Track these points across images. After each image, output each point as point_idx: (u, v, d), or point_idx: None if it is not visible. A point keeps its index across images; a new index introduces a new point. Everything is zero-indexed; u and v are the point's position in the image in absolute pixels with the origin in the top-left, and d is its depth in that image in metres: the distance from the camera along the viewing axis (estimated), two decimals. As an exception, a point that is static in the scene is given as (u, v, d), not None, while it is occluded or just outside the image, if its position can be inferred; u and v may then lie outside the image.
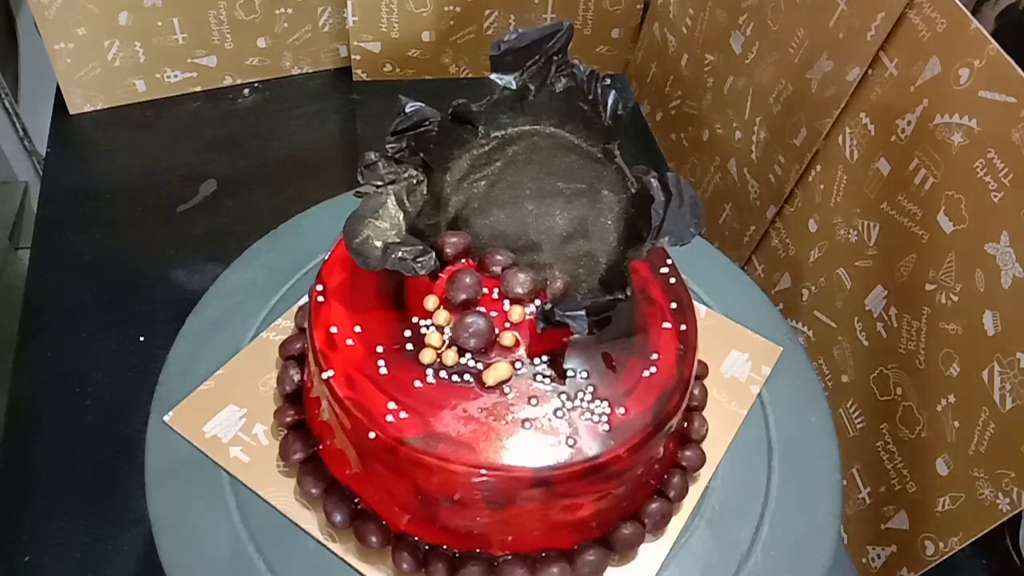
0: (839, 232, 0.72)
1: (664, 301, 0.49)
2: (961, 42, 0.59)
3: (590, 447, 0.41)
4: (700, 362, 0.51)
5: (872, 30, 0.66)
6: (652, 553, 0.47)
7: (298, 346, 0.51)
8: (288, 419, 0.48)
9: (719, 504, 0.49)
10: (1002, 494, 0.54)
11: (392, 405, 0.42)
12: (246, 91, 1.01)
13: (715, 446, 0.51)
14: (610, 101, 0.47)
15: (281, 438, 0.48)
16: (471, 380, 0.43)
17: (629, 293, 0.42)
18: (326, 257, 0.49)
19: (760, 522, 0.48)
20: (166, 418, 0.50)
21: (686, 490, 0.48)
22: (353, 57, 1.01)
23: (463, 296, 0.44)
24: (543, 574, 0.44)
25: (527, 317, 0.44)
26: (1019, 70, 0.55)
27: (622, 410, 0.43)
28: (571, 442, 0.41)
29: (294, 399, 0.50)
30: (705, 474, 0.50)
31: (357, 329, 0.45)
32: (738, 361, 0.56)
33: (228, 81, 1.01)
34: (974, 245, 0.58)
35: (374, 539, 0.44)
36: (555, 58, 0.47)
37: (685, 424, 0.49)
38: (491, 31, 1.01)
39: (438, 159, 0.48)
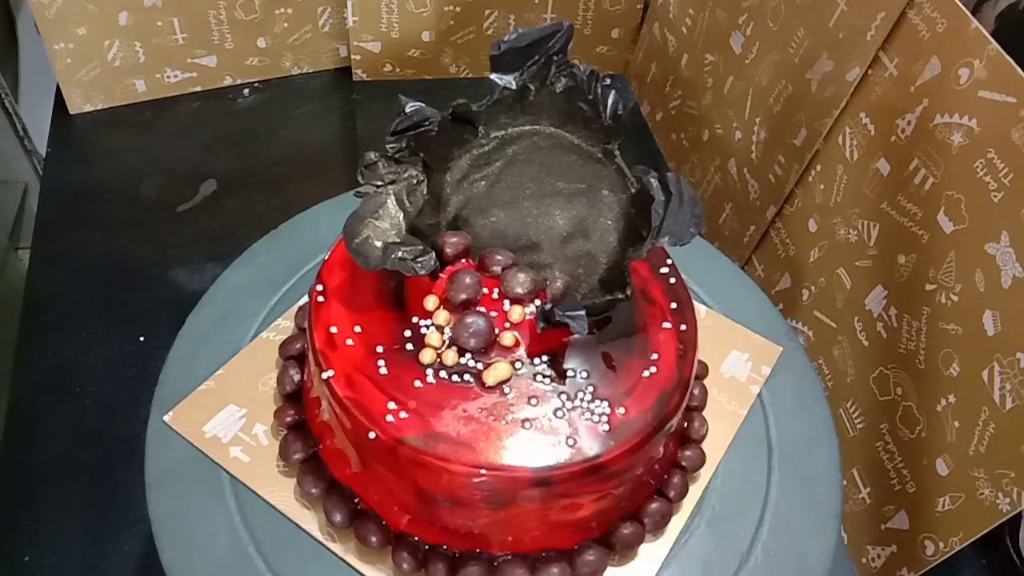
0: (839, 232, 0.72)
1: (664, 301, 0.49)
2: (961, 42, 0.59)
3: (590, 447, 0.41)
4: (700, 362, 0.51)
5: (872, 30, 0.66)
6: (652, 553, 0.47)
7: (298, 346, 0.51)
8: (288, 419, 0.48)
9: (719, 504, 0.49)
10: (1002, 494, 0.54)
11: (392, 405, 0.42)
12: (246, 91, 1.01)
13: (715, 446, 0.51)
14: (610, 101, 0.47)
15: (281, 438, 0.48)
16: (471, 380, 0.43)
17: (629, 293, 0.42)
18: (326, 257, 0.49)
19: (760, 522, 0.48)
20: (166, 418, 0.50)
21: (686, 490, 0.48)
22: (353, 57, 1.01)
23: (463, 296, 0.44)
24: (543, 574, 0.44)
25: (527, 317, 0.44)
26: (1019, 70, 0.55)
27: (622, 410, 0.43)
28: (571, 442, 0.41)
29: (294, 399, 0.50)
30: (705, 474, 0.50)
31: (357, 329, 0.45)
32: (738, 361, 0.56)
33: (228, 81, 1.01)
34: (974, 245, 0.58)
35: (374, 539, 0.44)
36: (555, 58, 0.47)
37: (685, 424, 0.49)
38: (491, 31, 1.01)
39: (438, 159, 0.48)
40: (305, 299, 0.54)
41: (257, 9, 0.95)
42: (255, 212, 0.87)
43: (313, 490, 0.46)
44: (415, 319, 0.45)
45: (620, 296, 0.42)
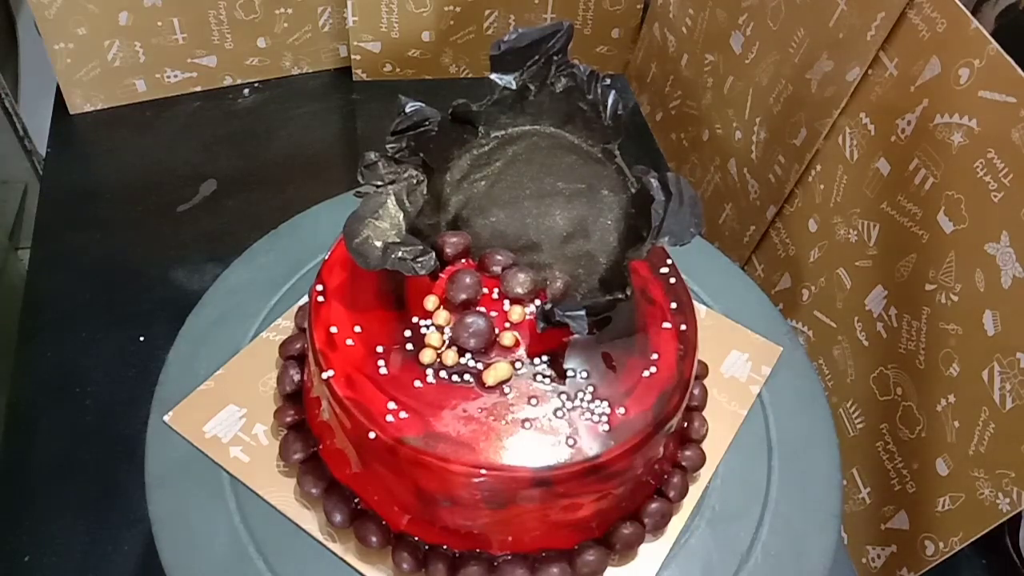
0: (839, 232, 0.72)
1: (664, 301, 0.49)
2: (961, 42, 0.59)
3: (590, 447, 0.41)
4: (700, 362, 0.51)
5: (872, 30, 0.66)
6: (652, 553, 0.47)
7: (298, 346, 0.51)
8: (288, 419, 0.48)
9: (719, 504, 0.49)
10: (1002, 494, 0.54)
11: (392, 405, 0.42)
12: (246, 91, 1.01)
13: (715, 446, 0.51)
14: (610, 101, 0.47)
15: (281, 438, 0.48)
16: (471, 380, 0.43)
17: (629, 293, 0.42)
18: (326, 257, 0.49)
19: (760, 522, 0.48)
20: (166, 418, 0.50)
21: (686, 490, 0.48)
22: (353, 57, 1.01)
23: (463, 296, 0.44)
24: (543, 574, 0.44)
25: (527, 317, 0.44)
26: (1019, 70, 0.55)
27: (622, 410, 0.43)
28: (571, 442, 0.41)
29: (294, 399, 0.50)
30: (705, 474, 0.50)
31: (357, 329, 0.45)
32: (738, 361, 0.56)
33: (228, 81, 1.01)
34: (974, 245, 0.58)
35: (374, 539, 0.44)
36: (555, 58, 0.47)
37: (685, 424, 0.49)
38: (491, 31, 1.01)
39: (438, 159, 0.48)
40: (305, 299, 0.54)
41: (257, 9, 0.95)
42: (255, 212, 0.88)
43: (313, 490, 0.46)
44: (415, 319, 0.45)
45: (620, 296, 0.42)
